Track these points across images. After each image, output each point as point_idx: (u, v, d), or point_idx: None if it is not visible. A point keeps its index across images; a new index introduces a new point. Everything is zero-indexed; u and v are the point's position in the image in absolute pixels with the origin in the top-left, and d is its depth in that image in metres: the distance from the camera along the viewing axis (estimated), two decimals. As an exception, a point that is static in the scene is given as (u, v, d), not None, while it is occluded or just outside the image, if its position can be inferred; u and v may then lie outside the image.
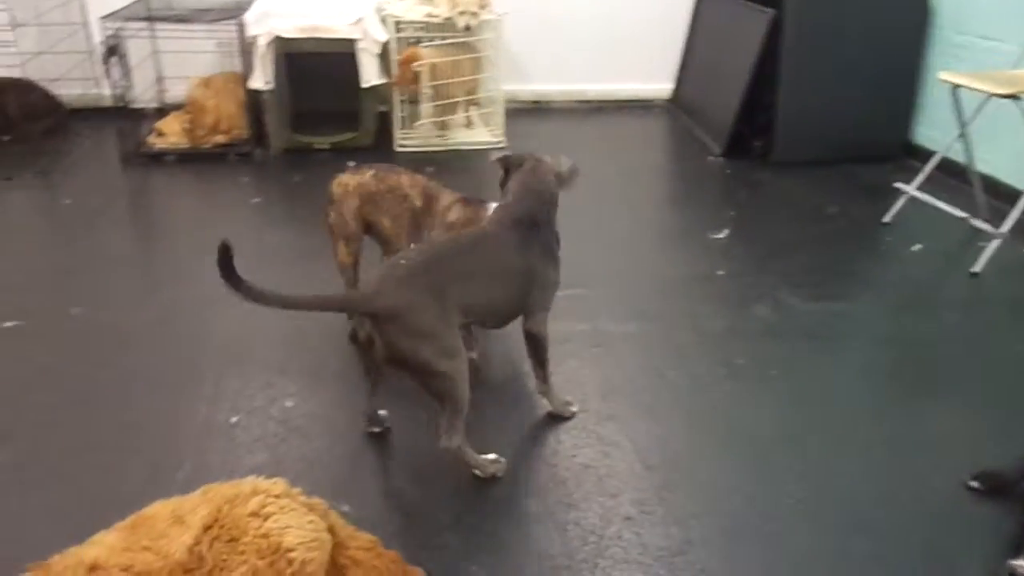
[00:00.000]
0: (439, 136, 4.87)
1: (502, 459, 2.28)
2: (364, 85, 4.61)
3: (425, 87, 4.62)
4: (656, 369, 2.74)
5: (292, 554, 1.70)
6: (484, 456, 2.25)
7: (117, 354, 2.79)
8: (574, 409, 2.51)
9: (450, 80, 4.68)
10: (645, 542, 2.05)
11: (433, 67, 4.58)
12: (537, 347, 2.40)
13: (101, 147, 4.69)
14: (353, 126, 4.77)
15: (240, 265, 1.92)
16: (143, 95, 5.00)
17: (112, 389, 2.60)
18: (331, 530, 1.87)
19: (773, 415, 2.54)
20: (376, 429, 2.41)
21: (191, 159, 4.60)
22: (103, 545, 1.62)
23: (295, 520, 1.76)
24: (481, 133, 5.04)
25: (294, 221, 3.93)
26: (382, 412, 2.41)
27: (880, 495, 2.20)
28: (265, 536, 1.70)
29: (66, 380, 2.65)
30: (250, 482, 1.83)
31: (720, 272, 3.38)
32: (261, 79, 4.51)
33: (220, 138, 4.69)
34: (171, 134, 4.63)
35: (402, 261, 2.10)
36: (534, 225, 2.31)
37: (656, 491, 2.22)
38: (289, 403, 2.52)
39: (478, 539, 2.06)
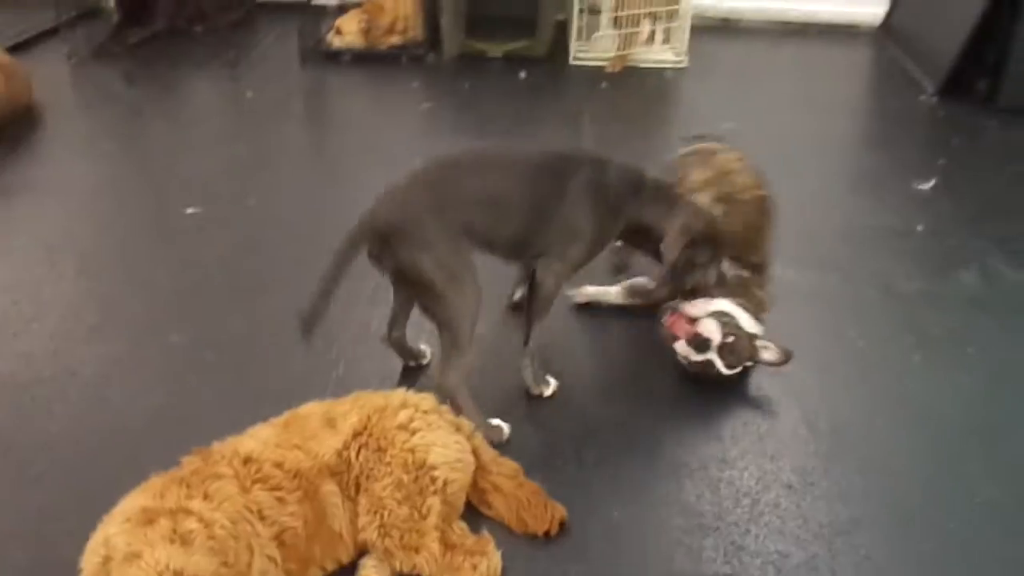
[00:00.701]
0: (618, 51, 4.59)
1: (505, 426, 2.05)
2: (543, -9, 4.41)
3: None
4: (835, 327, 2.49)
5: (436, 472, 1.68)
6: (489, 420, 2.04)
7: (287, 246, 2.86)
8: (550, 392, 2.21)
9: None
10: (805, 515, 1.88)
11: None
12: (534, 298, 2.15)
13: (283, 42, 4.77)
14: (528, 34, 4.59)
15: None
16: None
17: (279, 281, 2.67)
18: (475, 452, 1.83)
19: (966, 398, 2.25)
20: (412, 363, 2.30)
21: (366, 60, 4.61)
22: (258, 439, 1.65)
23: (441, 438, 1.73)
24: (662, 51, 4.71)
25: (462, 131, 3.86)
26: (423, 347, 2.30)
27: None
28: (412, 451, 1.68)
29: (240, 269, 2.75)
30: (400, 394, 1.82)
31: (920, 227, 3.01)
32: (440, -21, 4.40)
33: (395, 39, 4.66)
34: (348, 33, 4.63)
35: (403, 180, 2.05)
36: (574, 172, 2.10)
37: (822, 460, 2.04)
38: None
39: (621, 484, 1.97)
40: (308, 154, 3.68)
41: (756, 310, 2.26)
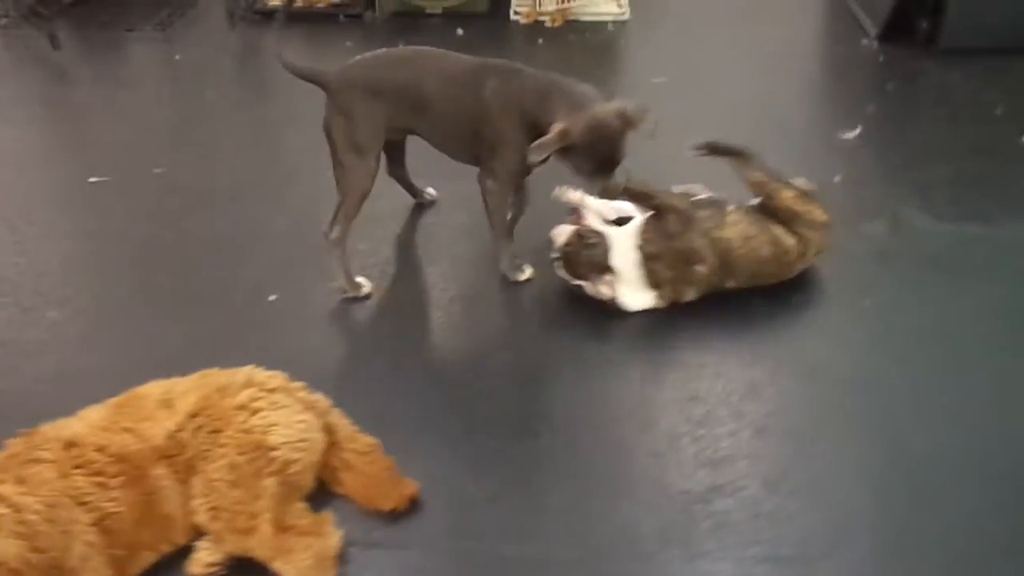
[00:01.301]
0: (558, 5, 4.45)
1: (368, 286, 2.38)
2: (479, -58, 4.27)
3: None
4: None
5: (275, 452, 1.66)
6: (355, 278, 2.37)
7: (184, 217, 2.81)
8: (524, 276, 2.43)
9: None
10: (667, 481, 1.86)
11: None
12: (484, 200, 2.36)
13: (222, 3, 4.65)
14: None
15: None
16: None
17: (172, 252, 2.63)
18: (330, 429, 1.81)
19: (855, 353, 2.20)
20: (417, 199, 2.76)
21: (301, 19, 4.48)
22: (85, 422, 1.63)
23: (284, 417, 1.70)
24: (605, 2, 4.57)
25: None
26: (430, 190, 2.77)
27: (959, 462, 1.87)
28: (248, 431, 1.66)
29: (134, 238, 2.71)
30: (246, 372, 1.79)
31: (836, 178, 2.92)
32: (373, -67, 4.27)
33: (330, -3, 4.53)
34: (283, -9, 4.51)
35: (361, 57, 2.39)
36: (486, 79, 2.26)
37: (693, 425, 2.00)
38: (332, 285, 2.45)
39: (484, 457, 1.94)
40: (229, 119, 3.59)
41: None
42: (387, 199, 2.70)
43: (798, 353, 2.21)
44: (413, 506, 1.77)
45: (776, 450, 1.94)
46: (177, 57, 4.09)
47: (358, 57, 2.40)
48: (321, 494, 1.79)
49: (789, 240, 2.32)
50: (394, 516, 1.75)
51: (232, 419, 1.66)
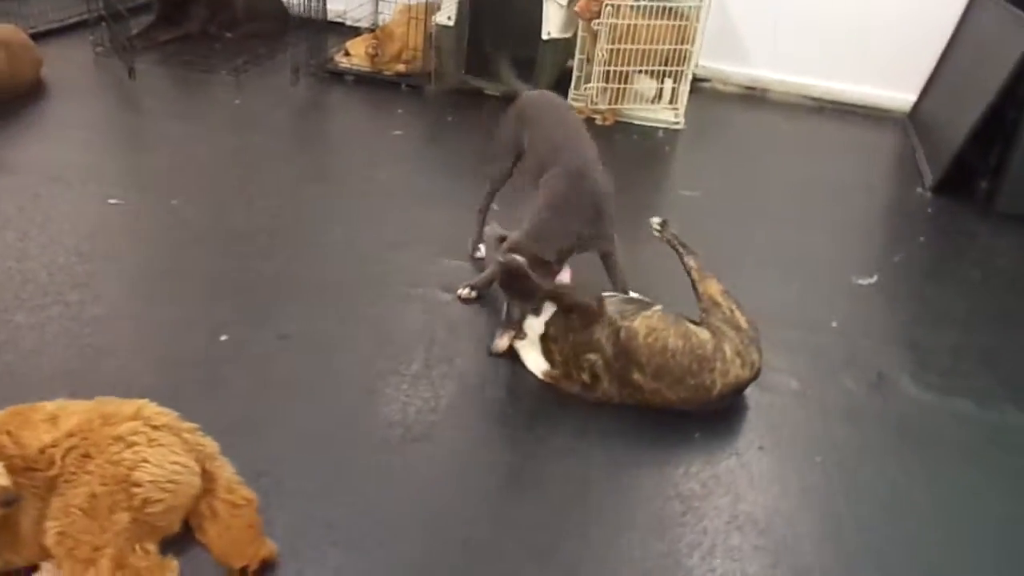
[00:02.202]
0: (609, 105, 4.51)
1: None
2: (544, 37, 4.40)
3: (602, 46, 4.29)
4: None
5: (137, 489, 1.66)
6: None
7: (188, 247, 2.92)
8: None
9: (633, 46, 4.30)
10: None
11: (614, 28, 4.23)
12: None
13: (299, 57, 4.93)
14: (528, 76, 4.57)
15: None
16: (357, 12, 5.23)
17: (160, 275, 2.75)
18: (210, 476, 1.80)
19: (788, 511, 2.05)
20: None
21: (367, 83, 4.71)
22: (-21, 417, 1.66)
23: (157, 456, 1.71)
24: (663, 110, 4.61)
25: (419, 160, 3.90)
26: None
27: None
28: (116, 463, 1.67)
29: (130, 259, 2.84)
30: (138, 404, 1.81)
31: (834, 323, 2.80)
32: (446, 13, 4.46)
33: (401, 67, 4.74)
34: (356, 56, 4.75)
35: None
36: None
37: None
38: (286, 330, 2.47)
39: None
40: (257, 163, 3.72)
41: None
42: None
43: (732, 504, 2.06)
44: (266, 568, 1.72)
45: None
46: (237, 102, 4.33)
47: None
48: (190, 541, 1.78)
49: (703, 334, 2.28)
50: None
51: (106, 448, 1.67)
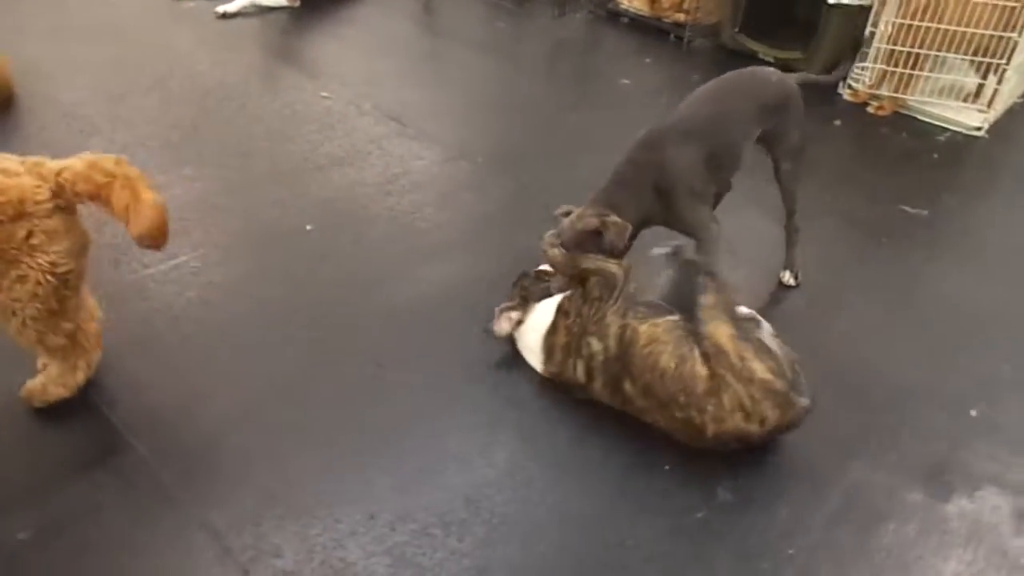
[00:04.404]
0: (892, 93, 3.72)
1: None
2: (830, 0, 3.78)
3: (889, 19, 3.54)
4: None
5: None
6: None
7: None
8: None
9: (935, 24, 3.48)
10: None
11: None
12: None
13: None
14: (805, 45, 3.99)
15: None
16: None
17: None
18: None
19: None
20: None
21: (640, 26, 4.52)
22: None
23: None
24: (965, 111, 3.68)
25: (633, 112, 3.66)
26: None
27: None
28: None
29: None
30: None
31: (973, 412, 2.09)
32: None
33: (680, 15, 4.45)
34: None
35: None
36: None
37: None
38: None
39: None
40: (473, 90, 3.85)
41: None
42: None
43: None
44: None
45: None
46: (500, 24, 4.49)
47: None
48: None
49: (700, 368, 1.91)
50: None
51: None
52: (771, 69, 2.49)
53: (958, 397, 2.18)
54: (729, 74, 2.45)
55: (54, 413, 1.94)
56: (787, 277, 2.57)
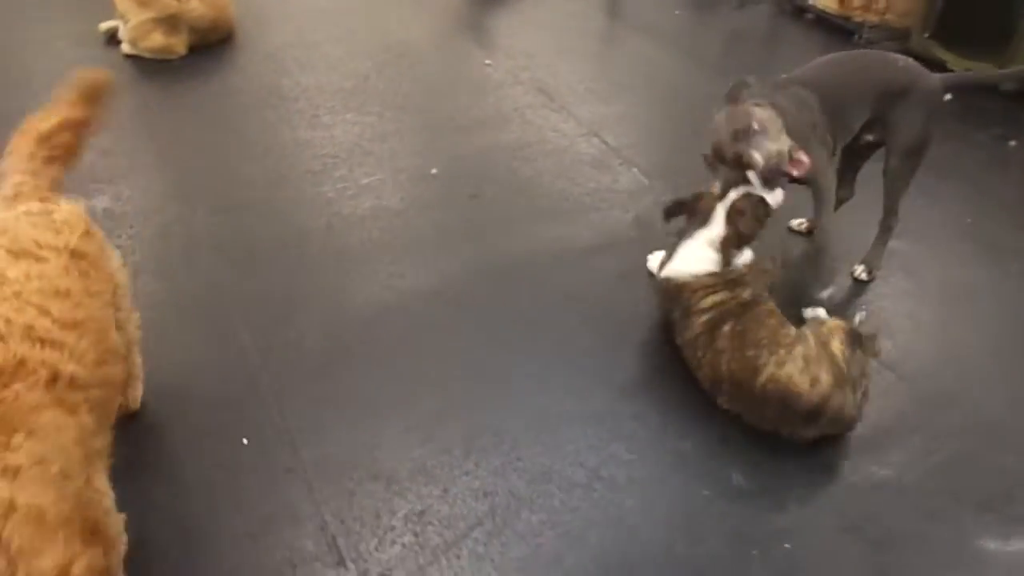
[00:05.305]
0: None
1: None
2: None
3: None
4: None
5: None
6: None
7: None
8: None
9: None
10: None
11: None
12: None
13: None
14: (1000, 57, 3.68)
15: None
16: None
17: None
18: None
19: None
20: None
21: (826, 25, 4.37)
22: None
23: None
24: None
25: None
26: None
27: None
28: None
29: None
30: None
31: None
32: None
33: (871, 16, 4.25)
34: (828, -5, 4.42)
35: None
36: None
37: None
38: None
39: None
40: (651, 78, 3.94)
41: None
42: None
43: None
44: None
45: None
46: (677, 12, 4.52)
47: None
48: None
49: (791, 329, 2.07)
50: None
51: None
52: (904, 56, 2.36)
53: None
54: (858, 51, 2.50)
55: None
56: (859, 271, 2.54)
